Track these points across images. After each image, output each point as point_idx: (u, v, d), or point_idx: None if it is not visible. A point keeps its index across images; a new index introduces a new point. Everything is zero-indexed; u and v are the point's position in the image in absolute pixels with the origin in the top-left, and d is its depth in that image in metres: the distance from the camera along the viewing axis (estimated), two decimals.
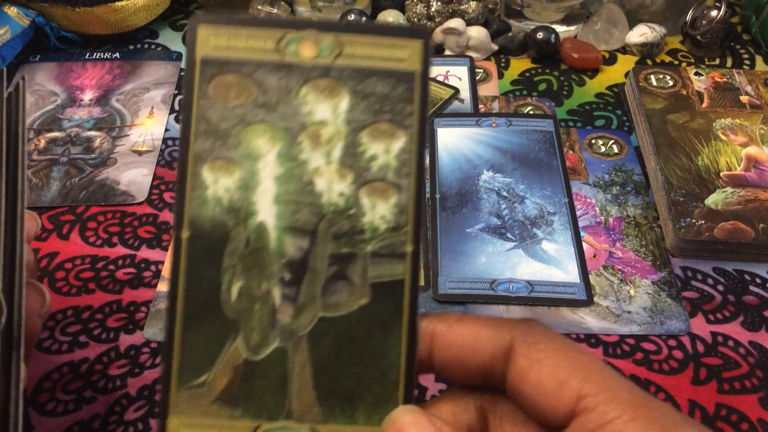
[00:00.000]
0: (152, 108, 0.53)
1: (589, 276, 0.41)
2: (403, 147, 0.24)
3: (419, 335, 0.23)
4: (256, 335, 0.23)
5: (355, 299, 0.23)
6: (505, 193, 0.45)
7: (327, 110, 0.24)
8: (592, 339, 0.38)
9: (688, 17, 0.57)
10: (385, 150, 0.24)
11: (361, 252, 0.23)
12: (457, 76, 0.54)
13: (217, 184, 0.23)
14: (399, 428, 0.22)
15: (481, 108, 0.52)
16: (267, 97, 0.23)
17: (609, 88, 0.55)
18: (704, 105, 0.50)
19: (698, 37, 0.57)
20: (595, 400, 0.21)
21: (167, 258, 0.42)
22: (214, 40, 0.23)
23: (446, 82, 0.54)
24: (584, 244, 0.42)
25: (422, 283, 0.40)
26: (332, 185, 0.23)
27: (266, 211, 0.23)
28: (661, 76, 0.53)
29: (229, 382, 0.23)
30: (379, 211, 0.23)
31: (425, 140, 0.24)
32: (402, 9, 0.59)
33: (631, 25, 0.58)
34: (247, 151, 0.23)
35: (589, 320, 0.38)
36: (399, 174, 0.23)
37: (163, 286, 0.40)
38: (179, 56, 0.58)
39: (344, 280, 0.23)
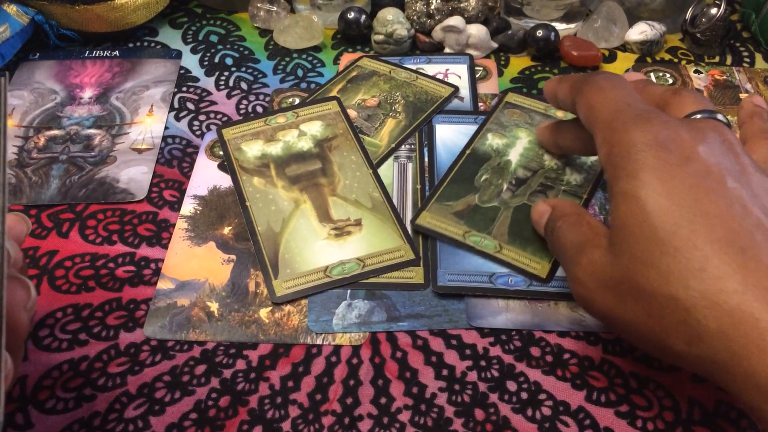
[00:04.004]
0: (152, 106, 0.53)
1: None
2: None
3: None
4: (486, 197, 0.43)
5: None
6: None
7: None
8: (591, 336, 0.38)
9: (688, 15, 0.57)
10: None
11: (558, 187, 0.44)
12: (457, 74, 0.54)
13: (492, 141, 0.47)
14: (544, 206, 0.39)
15: (481, 106, 0.52)
16: (532, 121, 0.49)
17: None
18: None
19: (698, 35, 0.57)
20: None
21: (167, 255, 0.42)
22: (511, 98, 0.51)
23: (446, 80, 0.54)
24: None
25: (421, 280, 0.40)
26: (552, 159, 0.46)
27: (513, 156, 0.46)
28: (660, 74, 0.53)
29: (462, 209, 0.43)
30: (574, 176, 0.45)
31: None
32: (402, 7, 0.58)
33: (631, 22, 0.58)
34: (512, 135, 0.48)
35: (589, 317, 0.38)
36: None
37: (163, 284, 0.40)
38: (179, 54, 0.58)
39: (543, 194, 0.44)
